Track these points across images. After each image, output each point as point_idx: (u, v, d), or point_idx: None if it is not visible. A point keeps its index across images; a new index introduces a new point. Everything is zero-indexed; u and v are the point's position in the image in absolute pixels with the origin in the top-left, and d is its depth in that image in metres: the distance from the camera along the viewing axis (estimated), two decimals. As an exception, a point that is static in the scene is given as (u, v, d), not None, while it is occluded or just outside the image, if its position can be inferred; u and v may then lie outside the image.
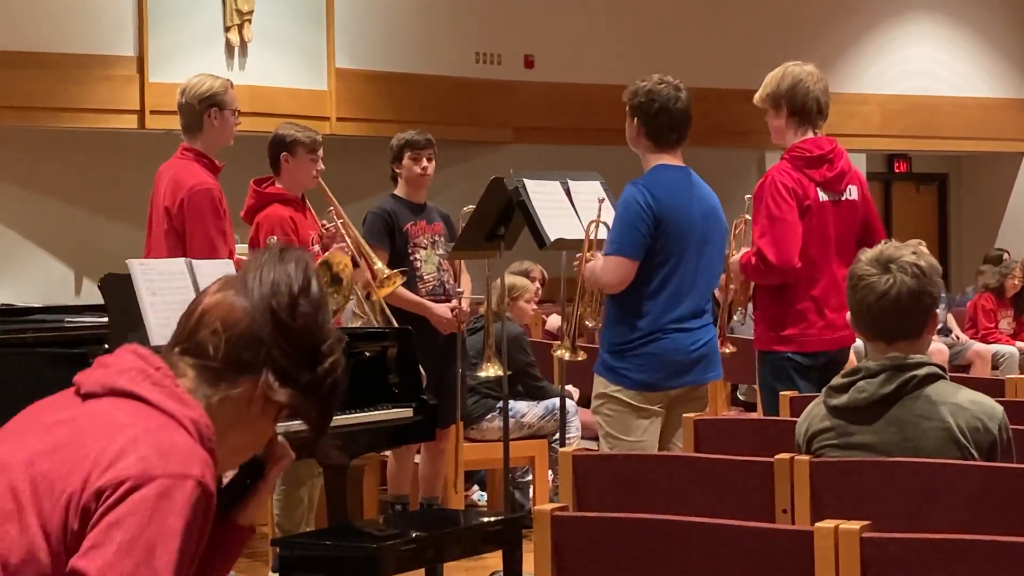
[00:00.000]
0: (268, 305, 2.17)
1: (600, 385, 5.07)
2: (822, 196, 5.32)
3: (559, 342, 5.51)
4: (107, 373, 2.15)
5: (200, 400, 2.15)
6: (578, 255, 5.30)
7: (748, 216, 5.56)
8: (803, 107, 5.34)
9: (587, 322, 5.36)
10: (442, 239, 6.61)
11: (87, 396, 2.12)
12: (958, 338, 11.04)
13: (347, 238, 6.17)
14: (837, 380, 3.42)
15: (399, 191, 6.65)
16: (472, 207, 5.99)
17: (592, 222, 5.28)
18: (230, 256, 5.51)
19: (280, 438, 2.31)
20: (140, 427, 2.05)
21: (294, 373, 2.17)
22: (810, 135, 5.38)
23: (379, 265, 6.23)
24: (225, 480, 2.34)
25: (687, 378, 5.06)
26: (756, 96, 5.43)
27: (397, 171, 6.66)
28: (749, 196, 5.64)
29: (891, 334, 3.38)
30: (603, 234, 5.19)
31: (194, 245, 5.40)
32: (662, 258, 4.99)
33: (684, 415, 4.41)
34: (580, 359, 5.44)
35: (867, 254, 3.45)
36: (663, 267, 4.99)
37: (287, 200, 6.12)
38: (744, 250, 5.44)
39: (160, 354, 2.18)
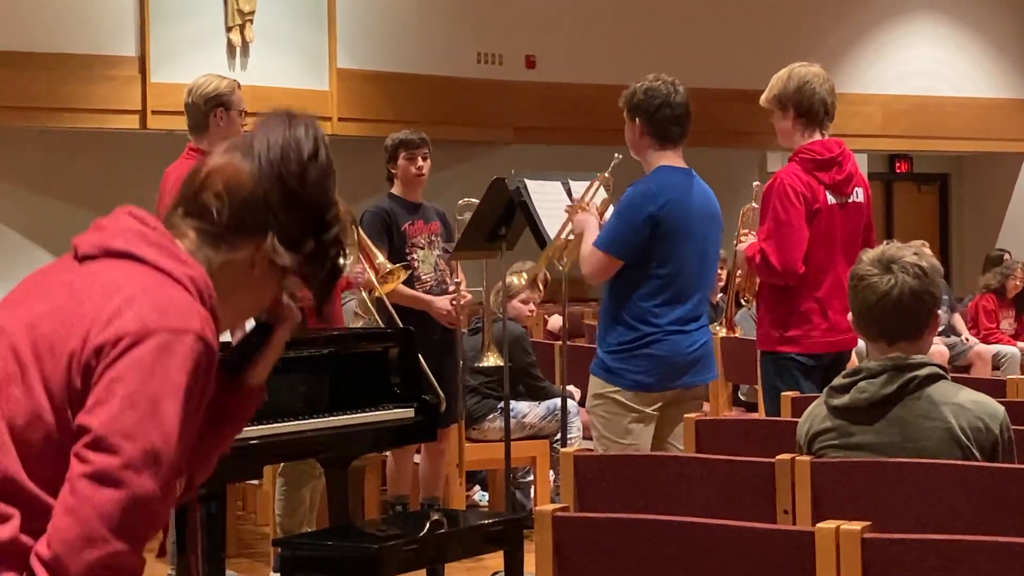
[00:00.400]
0: (276, 171, 2.14)
1: (596, 386, 5.06)
2: (830, 199, 5.32)
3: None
4: (103, 235, 2.12)
5: (201, 262, 2.11)
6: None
7: (756, 204, 5.60)
8: (810, 108, 5.33)
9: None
10: (439, 238, 6.61)
11: (84, 258, 2.10)
12: (967, 340, 10.99)
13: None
14: (838, 380, 3.43)
15: (396, 191, 6.65)
16: (468, 200, 5.98)
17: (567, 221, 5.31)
18: None
19: (286, 299, 2.27)
20: (137, 286, 2.02)
21: (299, 238, 2.14)
22: (817, 136, 5.37)
23: (380, 259, 6.22)
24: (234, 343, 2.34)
25: (683, 380, 5.05)
26: (762, 98, 5.42)
27: (392, 171, 6.65)
28: (758, 184, 5.65)
29: (892, 334, 3.38)
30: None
31: None
32: (662, 261, 4.98)
33: (685, 416, 4.41)
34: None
35: (868, 255, 3.45)
36: (663, 269, 4.98)
37: None
38: (750, 239, 5.45)
39: (160, 216, 2.16)
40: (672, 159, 5.09)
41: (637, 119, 5.05)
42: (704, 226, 5.10)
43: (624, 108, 5.09)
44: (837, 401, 3.39)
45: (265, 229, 2.12)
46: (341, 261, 2.20)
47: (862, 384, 3.35)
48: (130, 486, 1.91)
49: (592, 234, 5.06)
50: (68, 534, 1.89)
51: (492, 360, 6.01)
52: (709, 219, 5.13)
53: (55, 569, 1.88)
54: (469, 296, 6.59)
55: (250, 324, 2.35)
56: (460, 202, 6.17)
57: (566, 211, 5.31)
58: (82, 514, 1.89)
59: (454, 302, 6.42)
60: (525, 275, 5.42)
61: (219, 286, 2.11)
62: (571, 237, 5.29)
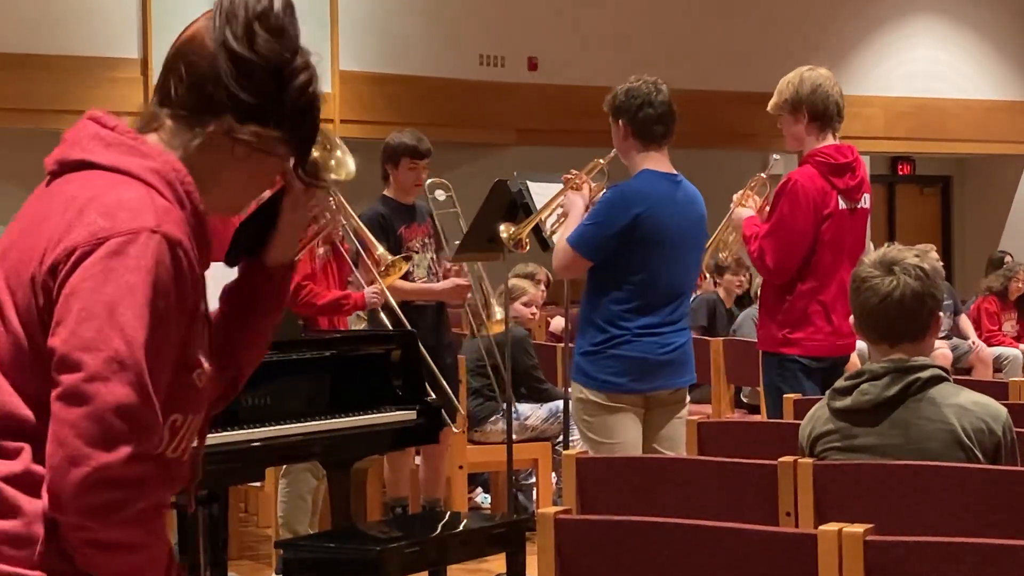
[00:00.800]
0: (222, 37, 2.03)
1: (576, 391, 5.06)
2: (842, 204, 5.33)
3: None
4: (63, 148, 2.06)
5: (177, 149, 2.04)
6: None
7: (764, 174, 5.66)
8: (824, 111, 5.33)
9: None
10: (431, 240, 6.62)
11: (50, 177, 2.06)
12: (974, 344, 10.96)
13: (347, 226, 6.18)
14: (840, 383, 3.42)
15: (390, 193, 6.64)
16: (437, 179, 5.99)
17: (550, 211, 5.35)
18: None
19: (288, 168, 2.17)
20: (87, 195, 1.96)
21: (260, 107, 2.02)
22: (829, 139, 5.37)
23: (381, 250, 6.23)
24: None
25: (659, 382, 5.01)
26: (771, 103, 5.41)
27: (389, 171, 6.63)
28: (777, 156, 5.63)
29: (894, 336, 3.38)
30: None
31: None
32: (635, 268, 4.94)
33: (688, 418, 4.41)
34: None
35: (870, 257, 3.46)
36: (635, 276, 4.94)
37: None
38: (751, 205, 5.51)
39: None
40: (657, 161, 5.05)
41: (620, 121, 5.04)
42: (686, 232, 5.04)
43: (608, 111, 5.09)
44: (839, 403, 3.39)
45: (224, 104, 2.02)
46: (316, 110, 2.08)
47: (864, 386, 3.35)
48: (98, 397, 1.86)
49: (573, 222, 5.06)
50: (54, 459, 1.87)
51: (496, 325, 6.03)
52: (692, 225, 5.08)
53: (53, 495, 1.88)
54: (464, 270, 6.60)
55: None
56: (429, 181, 6.21)
57: (563, 180, 5.32)
58: (61, 436, 1.87)
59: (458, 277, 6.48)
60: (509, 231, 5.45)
61: (203, 170, 2.04)
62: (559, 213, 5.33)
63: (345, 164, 5.84)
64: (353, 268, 6.33)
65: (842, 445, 3.39)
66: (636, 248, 4.92)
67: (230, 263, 2.27)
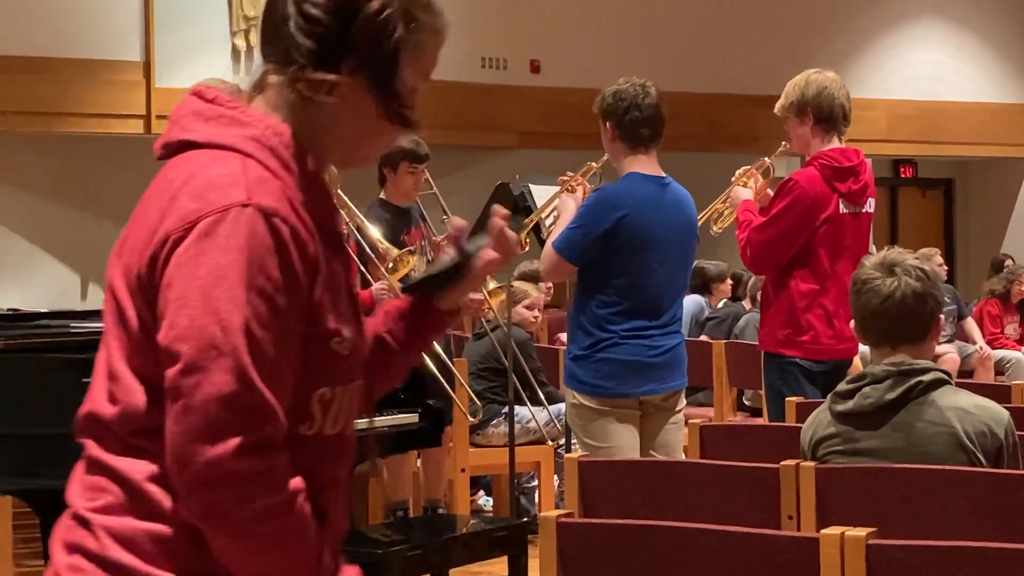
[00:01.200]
0: None
1: (569, 395, 5.05)
2: (843, 208, 5.33)
3: None
4: (167, 129, 1.97)
5: (281, 109, 1.93)
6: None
7: (768, 159, 5.69)
8: (830, 114, 5.34)
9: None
10: (427, 242, 6.62)
11: (160, 162, 1.97)
12: (981, 349, 10.93)
13: (351, 224, 6.20)
14: (842, 386, 3.42)
15: (387, 196, 6.63)
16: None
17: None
18: None
19: (509, 232, 2.19)
20: (181, 178, 1.87)
21: (322, 52, 1.90)
22: (835, 142, 5.38)
23: (385, 245, 6.25)
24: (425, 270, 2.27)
25: (650, 385, 4.98)
26: (777, 105, 5.42)
27: (386, 174, 6.63)
28: (786, 144, 5.64)
29: (896, 337, 3.38)
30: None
31: None
32: (620, 271, 4.92)
33: (690, 422, 4.40)
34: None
35: (871, 260, 3.46)
36: (620, 278, 4.92)
37: None
38: (751, 187, 5.55)
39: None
40: (644, 164, 5.03)
41: (608, 123, 5.03)
42: (672, 235, 5.02)
43: (597, 113, 5.09)
44: (841, 407, 3.39)
45: (295, 51, 1.91)
46: (397, 34, 1.93)
47: (866, 390, 3.35)
48: (197, 389, 1.76)
49: (563, 225, 5.06)
50: (168, 459, 1.80)
51: (492, 284, 6.09)
52: (679, 227, 5.05)
53: (181, 494, 1.80)
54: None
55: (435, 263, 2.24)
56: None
57: (559, 182, 5.34)
58: (170, 437, 1.79)
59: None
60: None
61: (311, 126, 1.93)
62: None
63: None
64: (361, 266, 6.34)
65: (844, 449, 3.39)
66: (620, 251, 4.91)
67: (404, 291, 2.27)
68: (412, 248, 6.37)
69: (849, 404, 3.38)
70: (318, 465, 1.92)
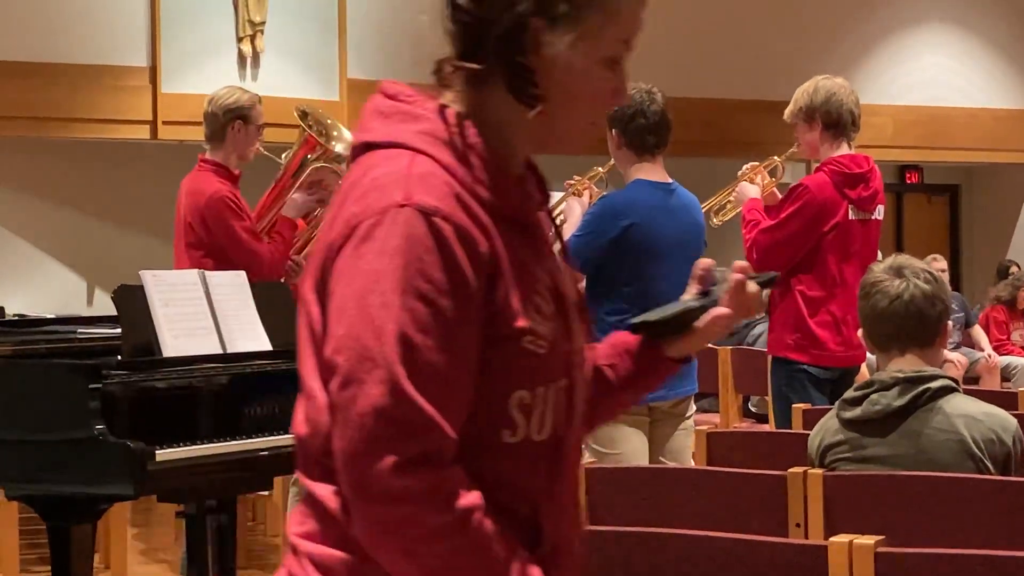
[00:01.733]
0: None
1: None
2: (852, 215, 5.33)
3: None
4: (356, 132, 1.89)
5: (462, 100, 1.82)
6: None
7: (778, 158, 5.70)
8: (838, 120, 5.34)
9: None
10: None
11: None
12: (990, 357, 10.91)
13: None
14: (850, 393, 3.42)
15: None
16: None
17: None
18: (271, 250, 5.55)
19: (751, 286, 2.03)
20: (351, 182, 1.79)
21: (466, 38, 1.80)
22: (844, 148, 5.38)
23: None
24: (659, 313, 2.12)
25: (659, 392, 4.96)
26: (786, 111, 5.43)
27: None
28: (799, 145, 5.62)
29: (904, 339, 3.37)
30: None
31: (233, 251, 5.48)
32: (627, 277, 4.90)
33: (696, 428, 4.39)
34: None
35: (879, 265, 3.46)
36: (628, 286, 4.90)
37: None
38: (757, 190, 5.55)
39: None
40: (650, 171, 5.01)
41: (614, 130, 5.02)
42: (680, 241, 4.99)
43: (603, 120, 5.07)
44: (849, 414, 3.38)
45: (449, 37, 1.82)
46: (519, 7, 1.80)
47: (874, 396, 3.34)
48: (352, 403, 1.68)
49: (569, 230, 5.06)
50: (339, 479, 1.72)
51: None
52: (686, 233, 5.03)
53: (351, 513, 1.72)
54: None
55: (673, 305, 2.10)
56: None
57: (566, 185, 5.33)
58: (335, 454, 1.70)
59: None
60: None
61: (492, 113, 1.82)
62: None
63: (344, 139, 5.89)
64: None
65: (852, 456, 3.39)
66: (627, 259, 4.90)
67: (632, 330, 2.12)
68: None
69: (857, 411, 3.37)
70: (529, 475, 1.79)
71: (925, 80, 14.68)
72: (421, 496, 1.67)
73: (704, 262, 2.18)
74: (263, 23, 11.00)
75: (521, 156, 1.89)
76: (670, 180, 5.08)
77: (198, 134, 6.06)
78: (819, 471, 3.38)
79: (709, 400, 8.56)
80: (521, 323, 1.77)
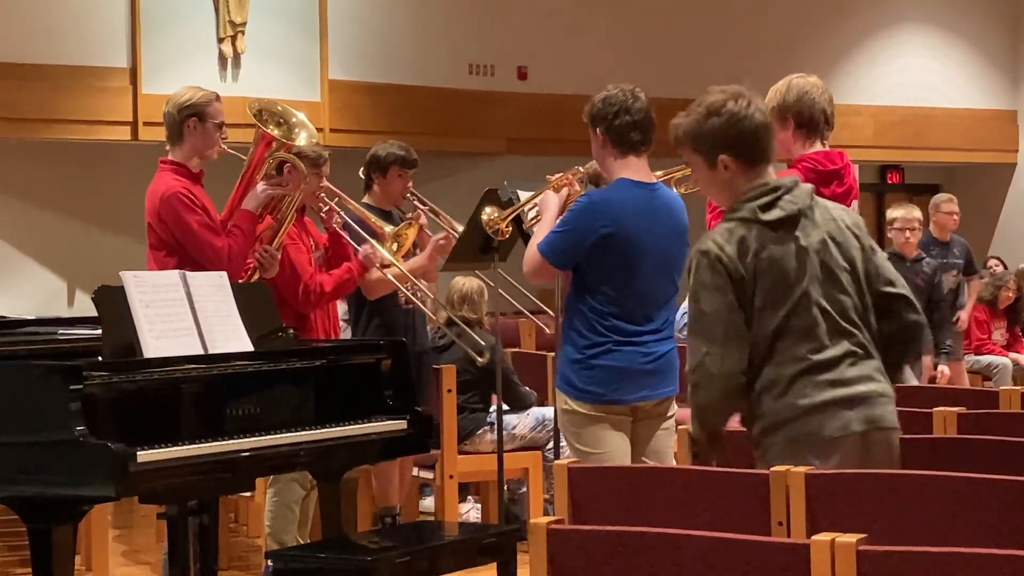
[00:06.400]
0: None
1: (561, 401, 5.03)
2: None
3: None
4: None
5: None
6: None
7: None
8: (810, 119, 5.32)
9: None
10: (416, 246, 6.63)
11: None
12: (959, 320, 10.85)
13: (345, 212, 6.26)
14: (761, 200, 3.79)
15: (372, 200, 6.63)
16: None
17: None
18: (229, 244, 5.46)
19: None
20: None
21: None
22: (818, 147, 5.37)
23: (375, 219, 6.34)
24: None
25: (643, 392, 4.96)
26: None
27: (375, 179, 6.63)
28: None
29: (767, 156, 3.89)
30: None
31: (190, 247, 5.42)
32: (609, 276, 4.90)
33: (679, 427, 4.39)
34: None
35: (713, 94, 4.17)
36: (610, 284, 4.90)
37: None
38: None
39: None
40: (634, 169, 5.00)
41: (597, 128, 5.02)
42: (664, 241, 5.00)
43: (586, 120, 5.08)
44: (770, 215, 3.76)
45: None
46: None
47: (787, 197, 3.80)
48: None
49: (546, 225, 5.05)
50: None
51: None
52: (669, 232, 5.03)
53: None
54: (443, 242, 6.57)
55: None
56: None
57: (547, 178, 5.34)
58: None
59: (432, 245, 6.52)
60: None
61: None
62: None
63: (306, 126, 5.90)
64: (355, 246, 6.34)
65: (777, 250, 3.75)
66: (608, 258, 4.89)
67: None
68: (410, 219, 6.42)
69: (776, 212, 3.76)
70: None
71: (905, 81, 14.73)
72: None
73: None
74: (244, 24, 10.98)
75: None
76: (655, 180, 5.07)
77: (179, 135, 6.03)
78: (802, 470, 3.38)
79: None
80: None
